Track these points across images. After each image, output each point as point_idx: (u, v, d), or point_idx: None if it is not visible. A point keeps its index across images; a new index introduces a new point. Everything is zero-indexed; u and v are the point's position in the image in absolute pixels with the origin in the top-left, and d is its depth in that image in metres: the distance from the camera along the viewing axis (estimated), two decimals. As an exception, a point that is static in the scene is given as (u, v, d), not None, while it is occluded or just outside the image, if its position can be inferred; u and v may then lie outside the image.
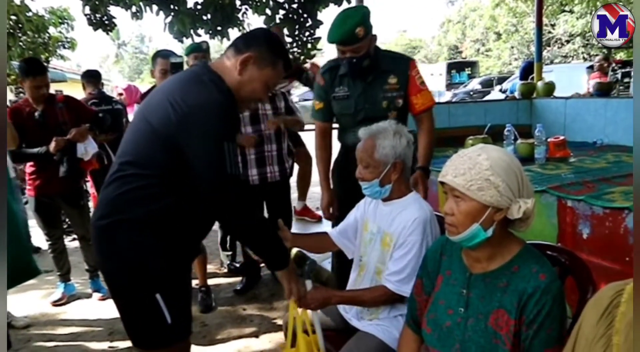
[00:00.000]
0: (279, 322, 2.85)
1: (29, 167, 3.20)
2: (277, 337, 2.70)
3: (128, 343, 2.72)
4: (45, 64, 8.63)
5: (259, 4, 5.26)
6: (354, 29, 2.10)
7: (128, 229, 1.40)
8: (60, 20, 8.93)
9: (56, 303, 3.34)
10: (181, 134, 1.34)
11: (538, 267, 1.15)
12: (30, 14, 7.09)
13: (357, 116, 2.28)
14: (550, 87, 4.33)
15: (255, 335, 2.79)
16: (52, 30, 8.99)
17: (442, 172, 1.21)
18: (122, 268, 1.44)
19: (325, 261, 3.27)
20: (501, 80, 16.68)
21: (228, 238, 3.74)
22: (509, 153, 1.23)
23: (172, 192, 1.39)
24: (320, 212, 2.98)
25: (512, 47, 24.68)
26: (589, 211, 2.09)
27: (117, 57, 45.24)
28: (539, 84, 4.45)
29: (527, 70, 6.03)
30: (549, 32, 19.88)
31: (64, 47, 9.73)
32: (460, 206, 1.17)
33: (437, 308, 1.29)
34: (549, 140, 3.06)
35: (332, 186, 2.46)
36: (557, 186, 2.31)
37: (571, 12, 18.64)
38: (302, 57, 5.15)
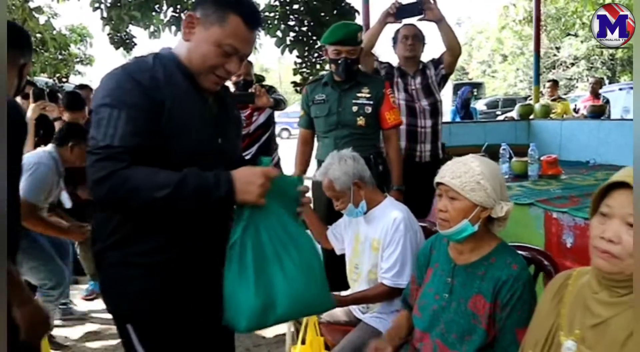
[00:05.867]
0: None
1: None
2: (284, 337, 2.87)
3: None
4: (65, 80, 9.03)
5: (270, 26, 5.56)
6: (357, 31, 2.47)
7: (94, 251, 1.29)
8: (80, 38, 9.33)
9: (86, 298, 3.59)
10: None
11: (511, 259, 1.36)
12: (54, 32, 7.48)
13: (330, 119, 2.56)
14: (546, 109, 4.56)
15: (263, 335, 2.97)
16: (71, 47, 9.39)
17: (440, 175, 1.42)
18: (103, 293, 1.33)
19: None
20: (506, 101, 16.92)
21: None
22: (494, 163, 1.46)
23: None
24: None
25: (518, 69, 25.01)
26: (572, 222, 2.29)
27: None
28: (537, 105, 4.68)
29: (465, 101, 6.69)
30: (554, 55, 20.21)
31: (82, 64, 10.12)
32: (454, 204, 1.38)
33: (426, 295, 1.49)
34: (542, 158, 3.27)
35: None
36: (545, 199, 2.51)
37: (576, 35, 18.96)
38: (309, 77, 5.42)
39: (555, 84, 7.23)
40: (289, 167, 2.94)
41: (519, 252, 1.49)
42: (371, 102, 2.54)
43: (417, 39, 2.85)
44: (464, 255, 1.44)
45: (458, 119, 6.46)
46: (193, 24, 1.24)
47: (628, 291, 0.94)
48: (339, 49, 2.46)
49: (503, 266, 1.35)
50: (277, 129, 21.53)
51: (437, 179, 1.43)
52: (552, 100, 6.73)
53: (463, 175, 1.37)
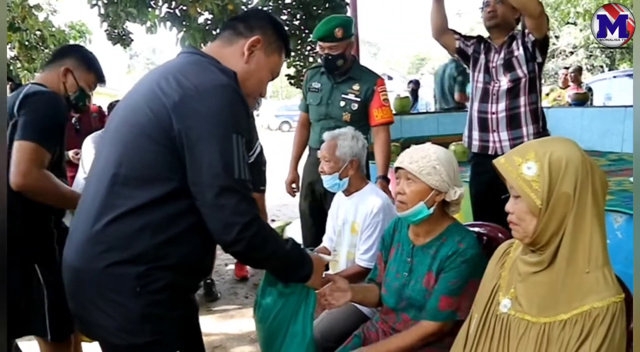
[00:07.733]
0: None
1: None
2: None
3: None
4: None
5: (264, 20, 5.66)
6: (334, 28, 2.48)
7: (133, 272, 1.07)
8: (79, 34, 9.44)
9: None
10: (176, 123, 1.06)
11: (460, 238, 1.48)
12: (53, 29, 7.60)
13: (320, 108, 2.66)
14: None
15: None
16: (71, 43, 9.50)
17: (399, 160, 1.53)
18: (121, 324, 1.10)
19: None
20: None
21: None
22: (449, 151, 1.57)
23: (191, 210, 1.08)
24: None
25: (518, 59, 24.94)
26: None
27: (129, 68, 46.29)
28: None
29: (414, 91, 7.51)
30: (554, 44, 20.14)
31: (82, 60, 10.22)
32: (411, 186, 1.49)
33: (390, 274, 1.62)
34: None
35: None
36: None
37: (575, 24, 18.92)
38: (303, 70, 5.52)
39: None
40: (286, 154, 3.06)
41: (477, 229, 1.62)
42: (359, 100, 2.60)
43: (498, 3, 2.31)
44: (420, 237, 1.57)
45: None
46: (256, 47, 1.23)
47: (543, 252, 1.08)
48: (321, 46, 2.56)
49: (451, 244, 1.48)
50: (278, 122, 21.50)
51: (395, 164, 1.54)
52: (562, 88, 6.66)
53: (420, 160, 1.48)
